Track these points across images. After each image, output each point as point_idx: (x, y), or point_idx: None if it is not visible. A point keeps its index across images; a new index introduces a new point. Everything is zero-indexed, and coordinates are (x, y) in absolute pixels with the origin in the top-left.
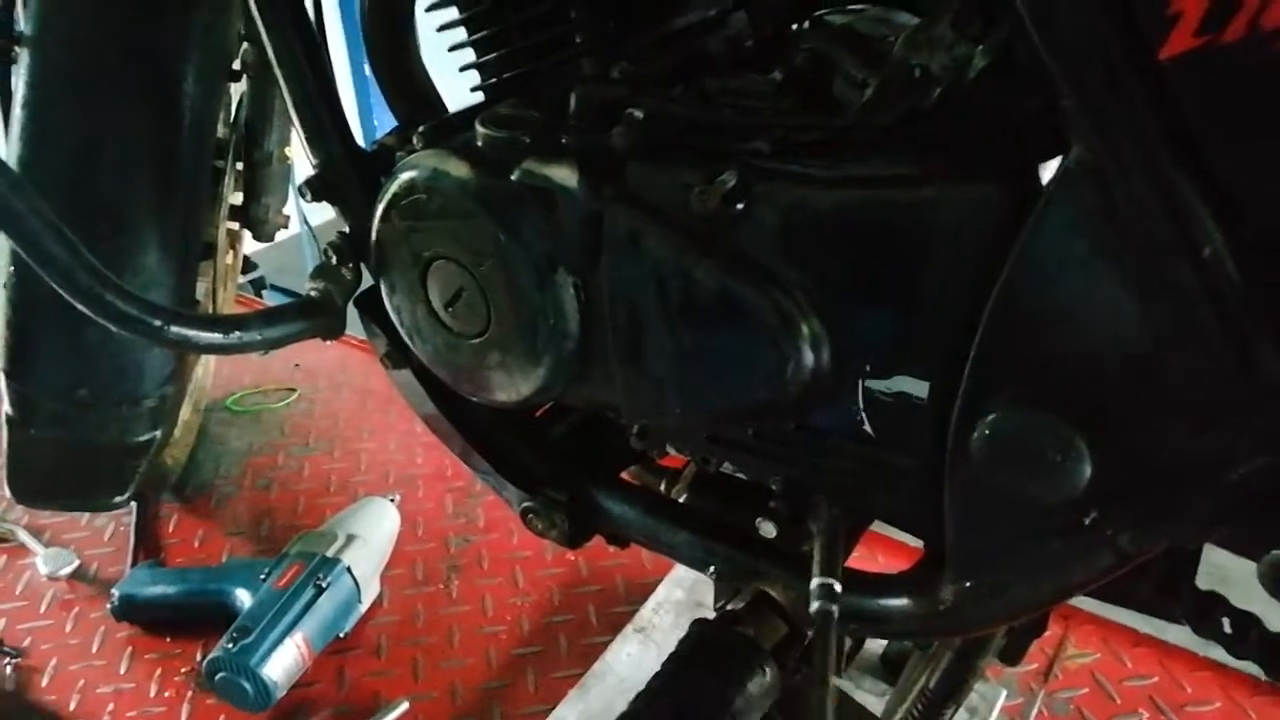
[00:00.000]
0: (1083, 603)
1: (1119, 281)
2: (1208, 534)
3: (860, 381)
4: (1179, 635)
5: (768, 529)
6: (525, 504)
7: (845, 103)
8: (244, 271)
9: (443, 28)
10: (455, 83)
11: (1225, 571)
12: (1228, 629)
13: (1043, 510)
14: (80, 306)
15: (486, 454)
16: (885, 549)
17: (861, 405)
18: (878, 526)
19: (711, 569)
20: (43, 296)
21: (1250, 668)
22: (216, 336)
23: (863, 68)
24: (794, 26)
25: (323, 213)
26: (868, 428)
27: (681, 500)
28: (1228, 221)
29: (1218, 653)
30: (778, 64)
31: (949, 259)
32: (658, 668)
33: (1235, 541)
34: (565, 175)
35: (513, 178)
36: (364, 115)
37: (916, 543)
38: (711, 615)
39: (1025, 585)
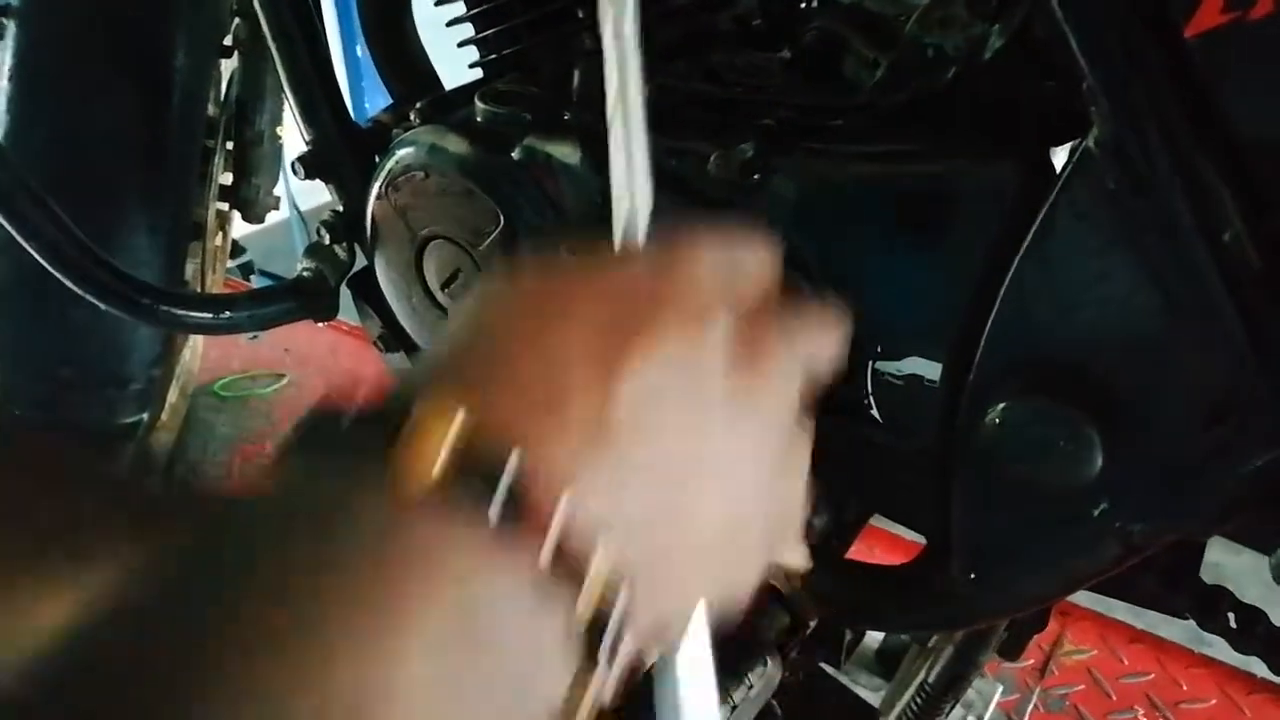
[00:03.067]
0: (1080, 599)
1: (1135, 265)
2: (1219, 526)
3: (869, 363)
4: (1175, 632)
5: None
6: None
7: (856, 82)
8: (232, 256)
9: (440, 1)
10: (453, 58)
11: (1220, 570)
12: (1232, 623)
13: (1051, 500)
14: (68, 283)
15: None
16: (885, 544)
17: (869, 389)
18: (876, 520)
19: None
20: (28, 273)
21: (1245, 665)
22: (206, 316)
23: (874, 47)
24: (803, 4)
25: (312, 197)
26: (875, 412)
27: None
28: (1250, 206)
29: (1213, 650)
30: (786, 42)
31: (965, 237)
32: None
33: (1245, 534)
34: (567, 152)
35: (513, 154)
36: (355, 96)
37: (915, 538)
38: None
39: (1031, 576)
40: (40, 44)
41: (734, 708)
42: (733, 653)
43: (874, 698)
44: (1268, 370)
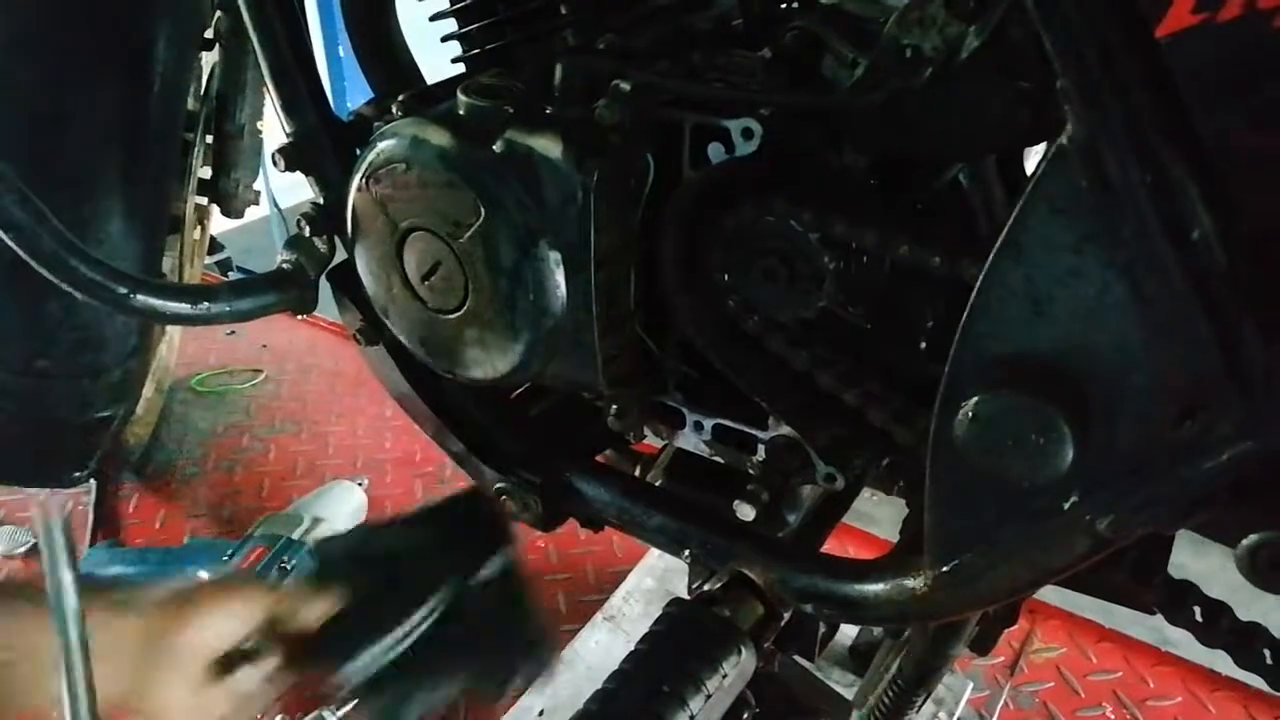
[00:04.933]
0: (1049, 598)
1: (1106, 262)
2: (1186, 520)
3: None
4: (1142, 631)
5: (745, 511)
6: (499, 485)
7: (835, 81)
8: (210, 252)
9: None
10: (435, 54)
11: (1183, 572)
12: (1199, 617)
13: (1023, 493)
14: (43, 272)
15: (460, 434)
16: (857, 541)
17: None
18: (849, 519)
19: (687, 552)
20: (3, 262)
21: (1210, 663)
22: (184, 307)
23: (853, 47)
24: (783, 5)
25: (292, 194)
26: None
27: (657, 484)
28: (1217, 205)
29: (1180, 649)
30: (766, 42)
31: None
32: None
33: (1212, 527)
34: (549, 145)
35: (495, 147)
36: (337, 96)
37: (887, 536)
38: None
39: (1002, 570)
40: (18, 32)
41: (708, 696)
42: (707, 641)
43: (847, 693)
44: (1234, 366)
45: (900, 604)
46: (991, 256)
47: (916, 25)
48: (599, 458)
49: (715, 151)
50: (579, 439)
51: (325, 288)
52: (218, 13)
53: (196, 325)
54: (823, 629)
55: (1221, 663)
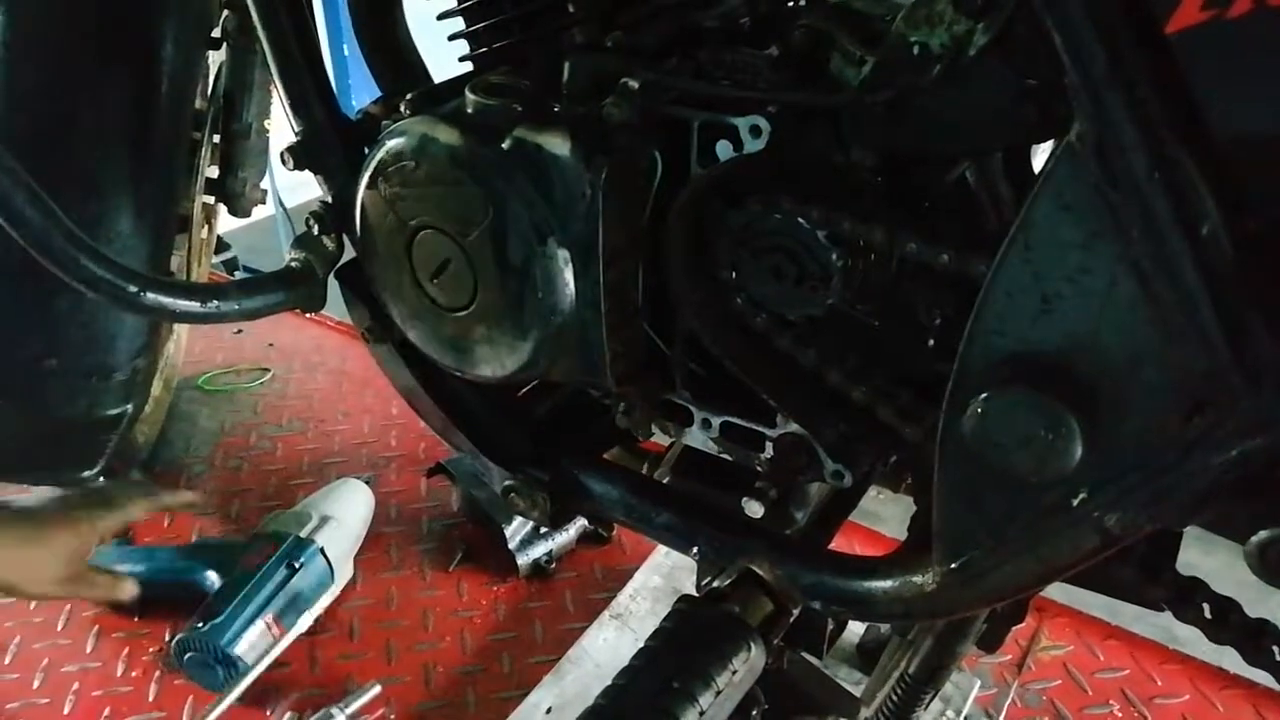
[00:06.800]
0: (1056, 595)
1: (1115, 259)
2: (1195, 516)
3: None
4: (1149, 629)
5: (753, 508)
6: (507, 482)
7: (843, 79)
8: (216, 252)
9: None
10: (441, 53)
11: (1191, 569)
12: (1208, 614)
13: (1032, 490)
14: (53, 269)
15: (468, 431)
16: (864, 539)
17: None
18: (855, 516)
19: (695, 549)
20: (12, 260)
21: (1218, 660)
22: (193, 305)
23: (860, 44)
24: (790, 2)
25: (298, 194)
26: None
27: (664, 482)
28: (1227, 201)
29: (1187, 647)
30: (774, 39)
31: None
32: (634, 653)
33: (1221, 523)
34: (558, 144)
35: (503, 145)
36: (342, 95)
37: (895, 535)
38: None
39: (1011, 566)
40: (26, 30)
41: (718, 692)
42: (717, 638)
43: (855, 691)
44: (1243, 362)
45: (908, 601)
46: (1000, 253)
47: (924, 22)
48: (606, 455)
49: (723, 149)
50: (587, 436)
51: (332, 286)
52: (225, 11)
53: (206, 323)
54: (831, 626)
55: (1229, 660)
